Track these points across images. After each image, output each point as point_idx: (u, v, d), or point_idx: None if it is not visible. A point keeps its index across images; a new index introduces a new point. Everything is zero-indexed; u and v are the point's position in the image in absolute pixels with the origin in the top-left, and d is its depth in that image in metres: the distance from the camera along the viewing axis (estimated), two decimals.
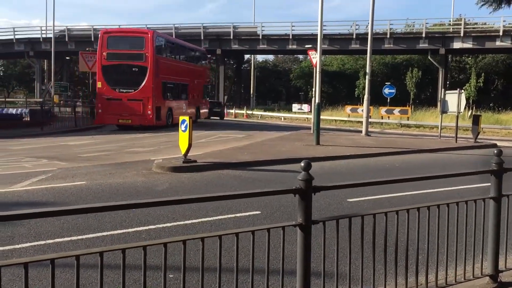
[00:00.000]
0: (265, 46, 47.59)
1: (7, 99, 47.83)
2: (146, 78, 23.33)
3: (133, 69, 23.62)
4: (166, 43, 26.69)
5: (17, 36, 52.88)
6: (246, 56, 65.73)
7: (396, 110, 32.73)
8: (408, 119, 31.82)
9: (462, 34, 40.74)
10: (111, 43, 23.92)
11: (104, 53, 23.77)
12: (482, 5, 8.52)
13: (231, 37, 47.68)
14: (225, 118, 39.94)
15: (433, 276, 4.06)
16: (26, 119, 25.01)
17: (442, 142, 19.52)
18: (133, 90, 23.45)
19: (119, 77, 23.62)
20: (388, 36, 43.02)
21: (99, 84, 23.88)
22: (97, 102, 24.50)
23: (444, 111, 20.43)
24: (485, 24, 43.79)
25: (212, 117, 35.78)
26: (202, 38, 48.02)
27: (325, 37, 37.42)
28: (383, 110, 33.02)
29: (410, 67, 46.07)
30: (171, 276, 4.42)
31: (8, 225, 5.97)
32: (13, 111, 27.08)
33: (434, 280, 4.05)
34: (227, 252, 4.14)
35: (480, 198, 4.28)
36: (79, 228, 6.07)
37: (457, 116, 19.93)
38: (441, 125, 21.51)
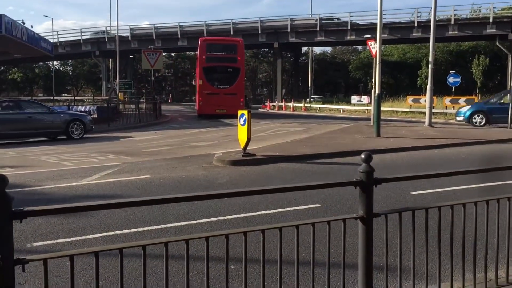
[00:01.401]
0: (323, 38, 47.04)
1: (76, 97, 50.36)
2: (239, 77, 28.79)
3: (228, 69, 28.70)
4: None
5: (84, 37, 55.51)
6: (304, 49, 65.30)
7: (462, 99, 31.30)
8: None
9: None
10: (209, 49, 28.98)
11: (203, 57, 28.66)
12: None
13: (288, 30, 47.52)
14: (283, 111, 40.27)
15: (503, 272, 3.88)
16: (94, 116, 26.23)
17: None
18: (228, 86, 28.51)
19: (217, 76, 28.78)
20: (452, 22, 41.24)
21: (200, 82, 28.92)
22: (198, 96, 29.53)
23: None
24: None
25: None
26: (259, 32, 48.23)
27: (385, 26, 36.48)
28: (447, 100, 31.71)
29: (477, 54, 44.05)
30: (232, 267, 4.50)
31: (79, 217, 6.31)
32: (81, 108, 28.46)
33: (505, 276, 3.87)
34: (287, 244, 4.15)
35: None
36: (144, 220, 6.31)
37: None
38: (510, 115, 20.39)
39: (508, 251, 3.86)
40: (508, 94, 21.55)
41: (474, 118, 22.31)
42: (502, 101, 22.33)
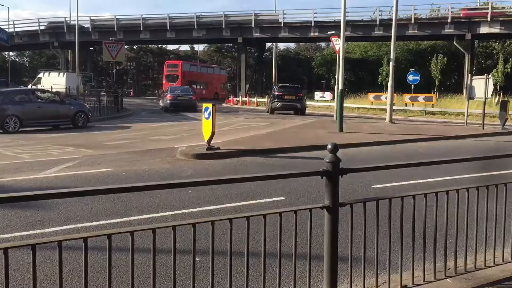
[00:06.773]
0: (287, 34, 47.24)
1: None
2: (179, 78, 52.04)
3: (174, 76, 52.53)
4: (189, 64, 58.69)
5: (42, 27, 53.62)
6: (268, 44, 65.29)
7: (421, 97, 32.13)
8: (433, 106, 31.24)
9: (489, 19, 39.68)
10: (168, 65, 55.50)
11: (166, 69, 54.49)
12: None
13: (253, 25, 47.47)
14: (247, 106, 40.43)
15: (461, 261, 4.01)
16: None
17: (468, 129, 19.17)
18: (175, 83, 46.92)
19: (171, 78, 51.53)
20: (412, 21, 42.18)
21: (165, 81, 52.42)
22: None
23: (470, 97, 20.05)
24: None
25: None
26: (223, 26, 47.99)
27: (348, 23, 36.88)
28: (407, 97, 32.46)
29: (435, 53, 45.19)
30: (197, 259, 4.46)
31: (38, 210, 6.11)
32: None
33: (463, 265, 4.00)
34: (253, 237, 4.15)
35: (510, 182, 4.19)
36: (106, 213, 6.18)
37: (484, 102, 19.53)
38: (467, 111, 21.11)
39: (466, 241, 3.99)
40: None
41: None
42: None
